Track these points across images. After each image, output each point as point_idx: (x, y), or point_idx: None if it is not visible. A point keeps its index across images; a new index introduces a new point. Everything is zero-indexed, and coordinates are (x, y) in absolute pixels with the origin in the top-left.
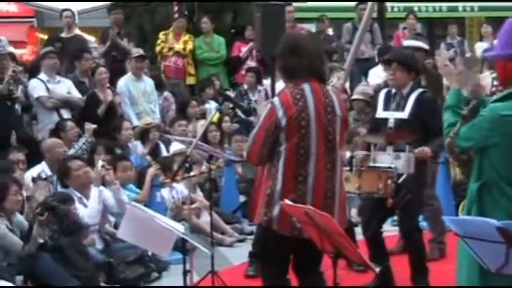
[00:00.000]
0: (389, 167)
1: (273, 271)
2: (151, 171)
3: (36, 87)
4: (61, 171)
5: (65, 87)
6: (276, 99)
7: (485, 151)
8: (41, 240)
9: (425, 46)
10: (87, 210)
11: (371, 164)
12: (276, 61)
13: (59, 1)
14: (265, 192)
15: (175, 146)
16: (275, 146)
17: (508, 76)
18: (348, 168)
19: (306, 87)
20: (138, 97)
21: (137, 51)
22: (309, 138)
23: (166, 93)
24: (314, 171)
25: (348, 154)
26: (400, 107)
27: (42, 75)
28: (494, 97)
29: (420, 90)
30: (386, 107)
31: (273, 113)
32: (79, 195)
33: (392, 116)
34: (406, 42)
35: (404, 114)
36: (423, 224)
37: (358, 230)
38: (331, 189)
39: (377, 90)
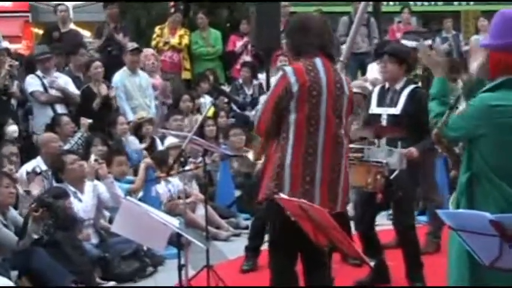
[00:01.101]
0: (380, 162)
1: (281, 256)
2: (145, 161)
3: (31, 83)
4: (56, 166)
5: (61, 83)
6: (287, 67)
7: (475, 142)
8: (36, 236)
9: (424, 43)
10: (81, 204)
11: (361, 157)
12: (285, 42)
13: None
14: (274, 164)
15: (170, 140)
16: (284, 114)
17: (498, 66)
18: None
19: (318, 61)
20: (134, 91)
21: (132, 45)
22: (319, 109)
23: None
24: (323, 144)
25: None
26: (393, 103)
27: (39, 72)
28: (485, 87)
29: (413, 86)
30: (380, 103)
31: (284, 79)
32: (73, 189)
33: (386, 111)
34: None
35: (396, 110)
36: (422, 218)
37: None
38: (338, 164)
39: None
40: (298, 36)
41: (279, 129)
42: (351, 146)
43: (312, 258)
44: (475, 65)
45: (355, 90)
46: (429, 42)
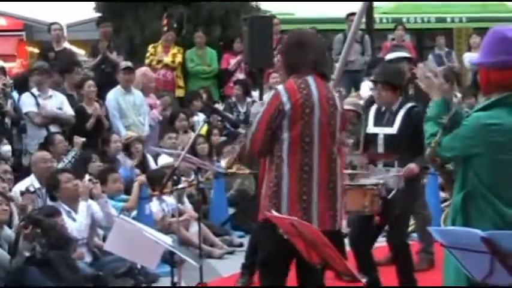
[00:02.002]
0: (376, 184)
1: (272, 277)
2: (139, 179)
3: (26, 102)
4: (50, 184)
5: (57, 102)
6: (280, 87)
7: (469, 161)
8: (27, 254)
9: (407, 54)
10: (75, 224)
11: (356, 182)
12: (281, 58)
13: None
14: (270, 184)
15: (164, 158)
16: (278, 133)
17: (491, 84)
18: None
19: (310, 78)
20: (127, 110)
21: (125, 64)
22: (312, 127)
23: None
24: (318, 161)
25: None
26: (390, 123)
27: (34, 90)
28: (478, 106)
29: (410, 105)
30: (376, 123)
31: (277, 98)
32: (67, 208)
33: (382, 131)
34: (389, 56)
35: (393, 130)
36: (414, 234)
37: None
38: (333, 181)
39: (368, 102)
40: (294, 53)
41: (272, 147)
42: (345, 172)
43: (306, 278)
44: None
45: (347, 107)
46: (440, 69)
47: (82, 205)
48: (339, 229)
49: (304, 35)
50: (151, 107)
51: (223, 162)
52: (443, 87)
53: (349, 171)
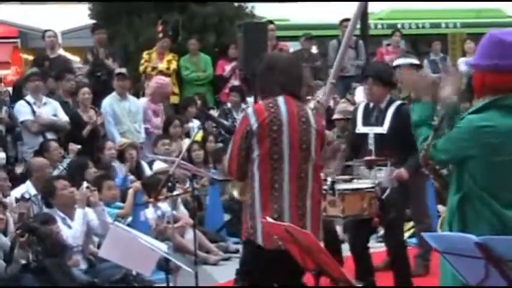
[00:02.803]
0: (372, 186)
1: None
2: (134, 185)
3: (21, 111)
4: (46, 191)
5: (51, 109)
6: (249, 109)
7: (464, 163)
8: (23, 262)
9: (416, 61)
10: (71, 231)
11: (353, 187)
12: (256, 80)
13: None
14: (247, 204)
15: (158, 164)
16: (249, 153)
17: (485, 87)
18: (331, 192)
19: (280, 98)
20: (123, 116)
21: (119, 70)
22: (281, 144)
23: None
24: (289, 178)
25: (329, 179)
26: (379, 122)
27: (29, 97)
28: (471, 108)
29: (398, 102)
30: (365, 122)
31: (245, 121)
32: (63, 215)
33: (372, 131)
34: (398, 61)
35: (383, 129)
36: (412, 240)
37: (345, 247)
38: (304, 198)
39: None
40: (264, 76)
41: (247, 167)
42: (339, 177)
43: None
44: (447, 90)
45: (336, 116)
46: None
47: (78, 212)
48: (335, 235)
49: (275, 58)
50: (156, 114)
51: (235, 193)
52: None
53: (344, 176)
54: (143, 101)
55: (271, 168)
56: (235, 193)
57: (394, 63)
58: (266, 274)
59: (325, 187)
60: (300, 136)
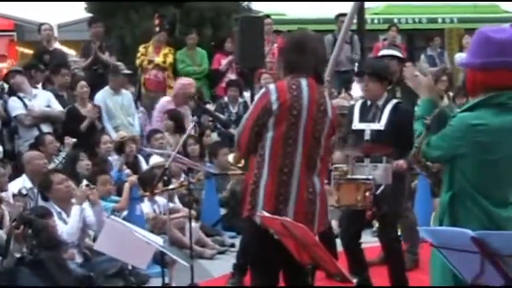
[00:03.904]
0: (368, 179)
1: (261, 274)
2: (130, 179)
3: (14, 106)
4: (43, 184)
5: (43, 101)
6: (271, 85)
7: (455, 161)
8: (18, 255)
9: (399, 54)
10: (66, 227)
11: (349, 176)
12: (279, 57)
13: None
14: (250, 182)
15: (155, 159)
16: (263, 132)
17: (476, 85)
18: (326, 181)
19: (303, 81)
20: (116, 110)
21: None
22: (297, 129)
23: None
24: (300, 164)
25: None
26: (376, 118)
27: (20, 93)
28: (463, 106)
29: (395, 101)
30: (362, 119)
31: (266, 97)
32: (59, 210)
33: (369, 127)
34: (382, 52)
35: (380, 126)
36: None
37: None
38: (313, 186)
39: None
40: (294, 54)
41: (257, 144)
42: (336, 165)
43: (294, 278)
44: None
45: None
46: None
47: (75, 209)
48: (330, 229)
49: (305, 36)
50: None
51: (230, 157)
52: (432, 86)
53: (338, 164)
54: (165, 99)
55: (284, 152)
56: (231, 158)
57: (379, 54)
58: (265, 253)
59: None
60: (315, 124)
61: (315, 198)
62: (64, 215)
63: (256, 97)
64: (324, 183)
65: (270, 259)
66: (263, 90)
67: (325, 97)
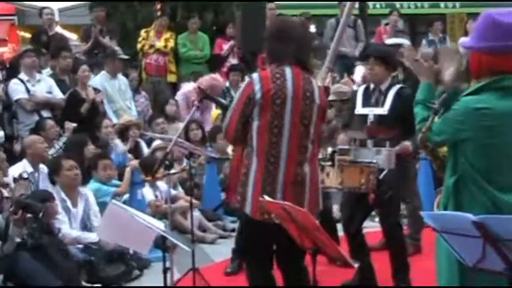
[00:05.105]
0: (371, 162)
1: (255, 261)
2: (131, 163)
3: (16, 89)
4: (53, 167)
5: (46, 87)
6: (255, 75)
7: (459, 145)
8: (18, 240)
9: (408, 42)
10: (67, 227)
11: (353, 159)
12: (264, 43)
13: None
14: (241, 172)
15: (157, 143)
16: (250, 121)
17: (481, 69)
18: (329, 163)
19: (287, 69)
20: (114, 94)
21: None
22: (282, 118)
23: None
24: (287, 153)
25: (329, 149)
26: (380, 103)
27: (22, 75)
28: (467, 90)
29: (399, 86)
30: (365, 103)
31: (250, 87)
32: (64, 197)
33: (372, 112)
34: (389, 41)
35: (384, 110)
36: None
37: (340, 226)
38: (301, 175)
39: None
40: (276, 41)
41: (245, 136)
42: (340, 147)
43: (288, 263)
44: (447, 73)
45: (332, 97)
46: (431, 50)
47: (80, 203)
48: (331, 214)
49: (286, 23)
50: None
51: (229, 149)
52: (433, 69)
53: (345, 146)
54: (190, 86)
55: (269, 141)
56: (229, 149)
57: (386, 43)
58: (258, 243)
59: (323, 158)
60: (303, 112)
61: (304, 188)
62: (69, 203)
63: (241, 87)
64: (317, 170)
65: (263, 249)
66: (247, 79)
67: (312, 83)
